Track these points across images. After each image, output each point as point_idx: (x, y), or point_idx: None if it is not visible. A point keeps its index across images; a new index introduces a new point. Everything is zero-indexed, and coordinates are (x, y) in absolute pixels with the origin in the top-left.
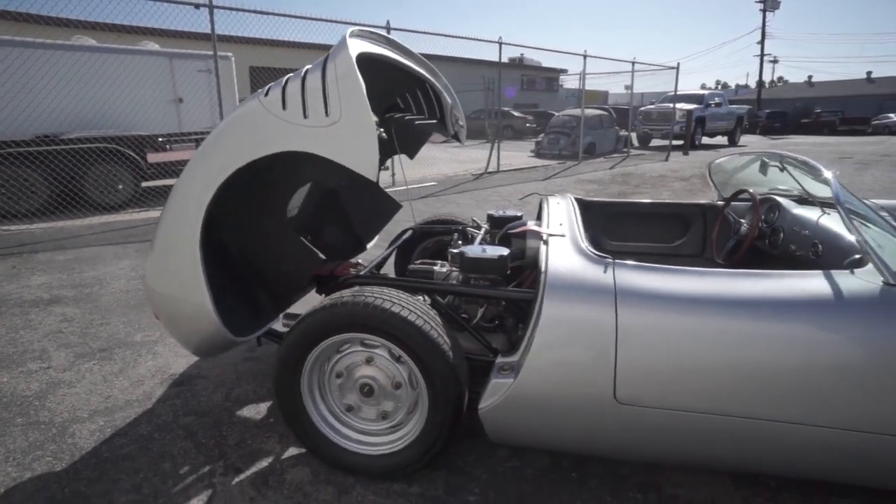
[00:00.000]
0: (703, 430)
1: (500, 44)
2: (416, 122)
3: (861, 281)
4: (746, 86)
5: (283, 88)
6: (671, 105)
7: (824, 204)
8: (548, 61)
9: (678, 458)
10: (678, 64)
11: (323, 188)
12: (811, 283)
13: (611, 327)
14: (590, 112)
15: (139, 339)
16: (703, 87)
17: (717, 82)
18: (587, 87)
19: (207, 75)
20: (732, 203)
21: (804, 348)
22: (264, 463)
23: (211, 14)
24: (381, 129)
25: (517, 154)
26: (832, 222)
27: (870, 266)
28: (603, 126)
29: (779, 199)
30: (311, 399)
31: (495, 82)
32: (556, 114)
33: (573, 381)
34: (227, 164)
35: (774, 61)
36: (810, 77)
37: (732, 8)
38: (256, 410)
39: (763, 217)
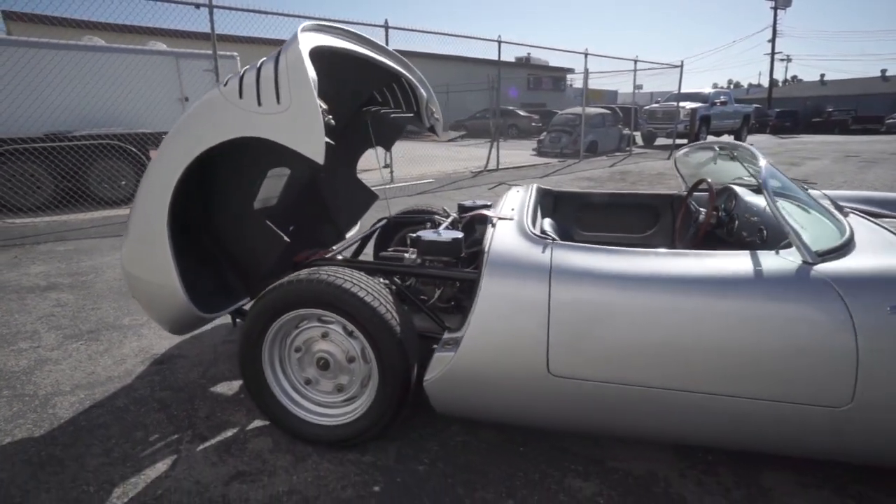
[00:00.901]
0: (631, 402)
1: (500, 42)
2: (392, 116)
3: (783, 260)
4: (759, 85)
5: (241, 79)
6: (675, 104)
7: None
8: (555, 61)
9: (609, 429)
10: (682, 62)
11: (302, 179)
12: (736, 263)
13: (544, 303)
14: (592, 111)
15: (126, 323)
16: (714, 86)
17: (730, 81)
18: (594, 87)
19: (213, 74)
20: (696, 193)
21: (725, 323)
22: (229, 433)
23: (211, 14)
24: (330, 116)
25: (520, 152)
26: (790, 207)
27: (794, 247)
28: (605, 125)
29: (735, 188)
30: (272, 372)
31: (499, 81)
32: (559, 112)
33: (509, 355)
34: (190, 150)
35: (788, 60)
36: (823, 76)
37: (745, 6)
38: (229, 387)
39: (722, 206)
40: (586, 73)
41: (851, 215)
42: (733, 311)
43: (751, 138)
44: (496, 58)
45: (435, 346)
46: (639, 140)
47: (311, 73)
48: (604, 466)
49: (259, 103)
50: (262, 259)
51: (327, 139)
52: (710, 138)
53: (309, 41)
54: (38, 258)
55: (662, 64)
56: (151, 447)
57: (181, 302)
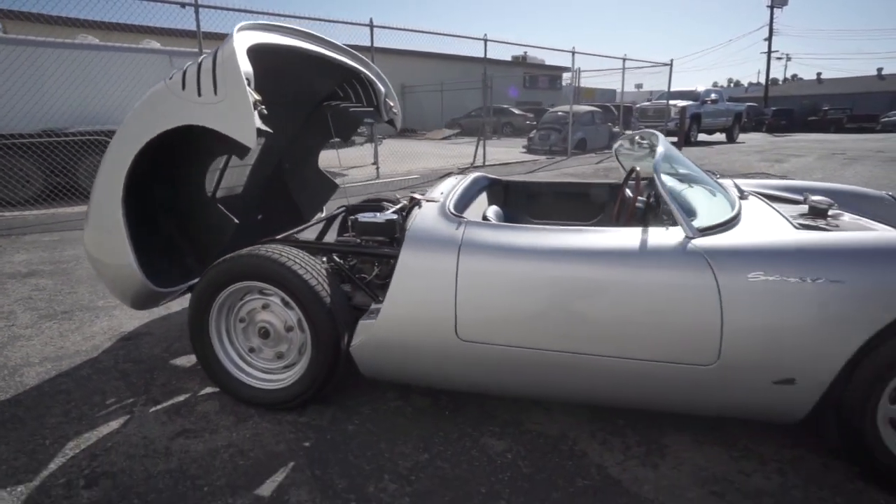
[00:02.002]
0: (530, 364)
1: (486, 41)
2: (350, 110)
3: (667, 235)
4: (759, 83)
5: (184, 73)
6: (665, 102)
7: (684, 176)
8: (552, 60)
9: (513, 390)
10: (671, 61)
11: (266, 169)
12: (627, 238)
13: (452, 274)
14: (581, 108)
15: (100, 305)
16: (714, 84)
17: (730, 80)
18: (591, 85)
19: None
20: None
21: (613, 291)
22: (181, 398)
23: (196, 13)
24: (263, 107)
25: (510, 150)
26: (691, 191)
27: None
28: (595, 122)
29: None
30: (219, 341)
31: (492, 80)
32: (550, 110)
33: (422, 321)
34: (139, 138)
35: (787, 58)
36: (819, 74)
37: (745, 4)
38: (188, 360)
39: (651, 192)
40: (573, 70)
41: (751, 198)
42: (620, 280)
43: (744, 136)
44: (492, 57)
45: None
46: None
47: (245, 66)
48: (520, 428)
49: (199, 94)
50: (215, 239)
51: (265, 127)
52: (702, 136)
53: (246, 39)
54: (23, 248)
55: (652, 62)
56: (107, 409)
57: (138, 279)
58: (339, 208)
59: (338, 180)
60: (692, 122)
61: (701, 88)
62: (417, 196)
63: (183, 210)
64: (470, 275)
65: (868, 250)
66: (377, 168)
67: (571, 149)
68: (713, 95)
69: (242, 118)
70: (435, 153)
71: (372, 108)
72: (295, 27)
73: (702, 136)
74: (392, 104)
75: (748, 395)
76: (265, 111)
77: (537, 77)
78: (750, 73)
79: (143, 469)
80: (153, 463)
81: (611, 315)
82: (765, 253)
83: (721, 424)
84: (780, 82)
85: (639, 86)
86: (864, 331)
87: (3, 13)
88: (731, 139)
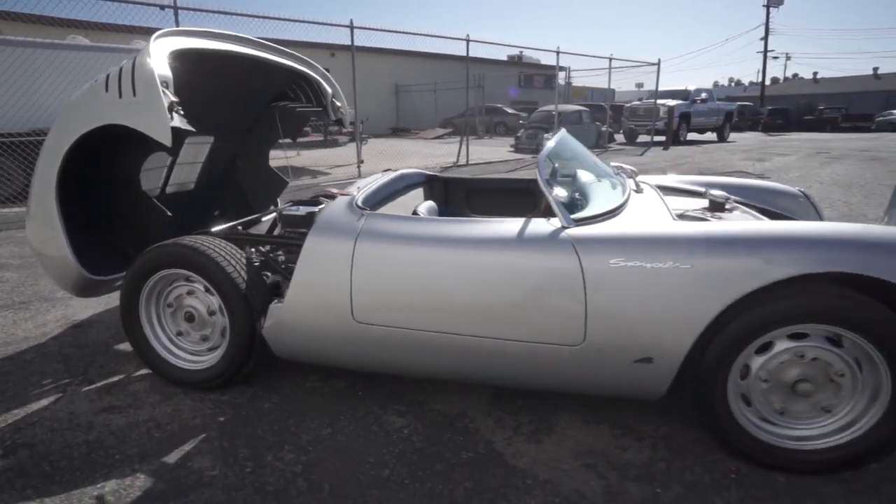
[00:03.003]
0: (419, 345)
1: (468, 41)
2: (297, 110)
3: (546, 225)
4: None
5: (108, 76)
6: (654, 101)
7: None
8: (547, 59)
9: (405, 369)
10: (659, 60)
11: (217, 167)
12: (510, 228)
13: (347, 260)
14: (569, 108)
15: (59, 296)
16: (715, 83)
17: (731, 79)
18: (592, 85)
19: None
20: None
21: (493, 277)
22: (115, 379)
23: (175, 15)
24: (179, 108)
25: (497, 149)
26: (586, 185)
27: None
28: (582, 121)
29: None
30: (149, 325)
31: (484, 79)
32: (538, 109)
33: (322, 304)
34: (68, 136)
35: (787, 58)
36: (816, 74)
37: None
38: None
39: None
40: (558, 69)
41: (647, 192)
42: (498, 267)
43: (737, 136)
44: (487, 57)
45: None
46: (622, 137)
47: (160, 70)
48: (423, 408)
49: (120, 96)
50: (151, 230)
51: (186, 126)
52: (693, 136)
53: (166, 45)
54: None
55: (639, 62)
56: (42, 389)
57: (75, 269)
58: (287, 203)
59: (320, 178)
60: (681, 121)
61: (693, 87)
62: (334, 191)
63: (122, 204)
64: (364, 262)
65: (714, 239)
66: (359, 167)
67: None
68: (703, 95)
69: (158, 118)
70: (421, 152)
71: (320, 109)
72: (231, 33)
73: (693, 136)
74: (339, 104)
75: (613, 373)
76: (181, 111)
77: (532, 77)
78: (750, 72)
79: (62, 440)
80: (73, 435)
81: (490, 299)
82: (626, 241)
83: (612, 406)
84: (781, 81)
85: (639, 85)
86: (708, 312)
87: None
88: (721, 138)
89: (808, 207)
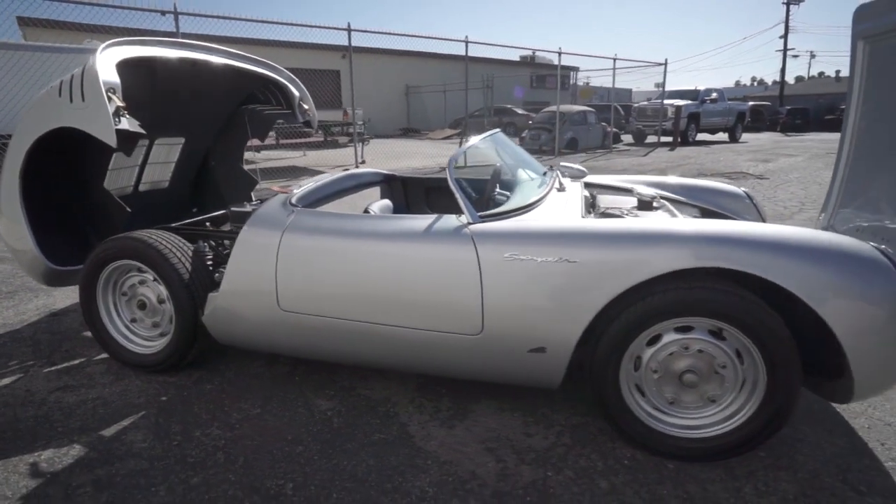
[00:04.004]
0: (338, 332)
1: (466, 42)
2: (265, 112)
3: (454, 221)
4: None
5: (62, 81)
6: (661, 102)
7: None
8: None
9: (327, 355)
10: (665, 60)
11: (193, 165)
12: (422, 224)
13: (274, 252)
14: (574, 108)
15: (45, 288)
16: (737, 83)
17: (753, 78)
18: (606, 85)
19: None
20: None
21: (402, 269)
22: (76, 362)
23: (176, 20)
24: (125, 112)
25: None
26: (519, 183)
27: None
28: (587, 122)
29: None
30: (106, 312)
31: (492, 80)
32: (543, 110)
33: (251, 293)
34: (28, 137)
35: (812, 56)
36: (838, 72)
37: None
38: None
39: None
40: (560, 70)
41: (572, 189)
42: (408, 260)
43: (751, 136)
44: (497, 57)
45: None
46: (629, 138)
47: (105, 77)
48: (352, 392)
49: (71, 101)
50: (113, 225)
51: (136, 129)
52: (704, 136)
53: (114, 54)
54: None
55: (645, 62)
56: (7, 368)
57: (40, 260)
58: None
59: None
60: (690, 121)
61: (701, 88)
62: (276, 188)
63: (87, 200)
64: (288, 254)
65: (601, 235)
66: (358, 167)
67: (562, 148)
68: (713, 94)
69: (103, 122)
70: (424, 152)
71: (289, 111)
72: (196, 42)
73: (703, 136)
74: (307, 107)
75: (511, 362)
76: (125, 115)
77: (545, 77)
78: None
79: (12, 414)
80: (25, 410)
81: (399, 291)
82: (521, 236)
83: (531, 395)
84: (806, 80)
85: (659, 84)
86: (594, 304)
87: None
88: (733, 139)
89: (750, 208)
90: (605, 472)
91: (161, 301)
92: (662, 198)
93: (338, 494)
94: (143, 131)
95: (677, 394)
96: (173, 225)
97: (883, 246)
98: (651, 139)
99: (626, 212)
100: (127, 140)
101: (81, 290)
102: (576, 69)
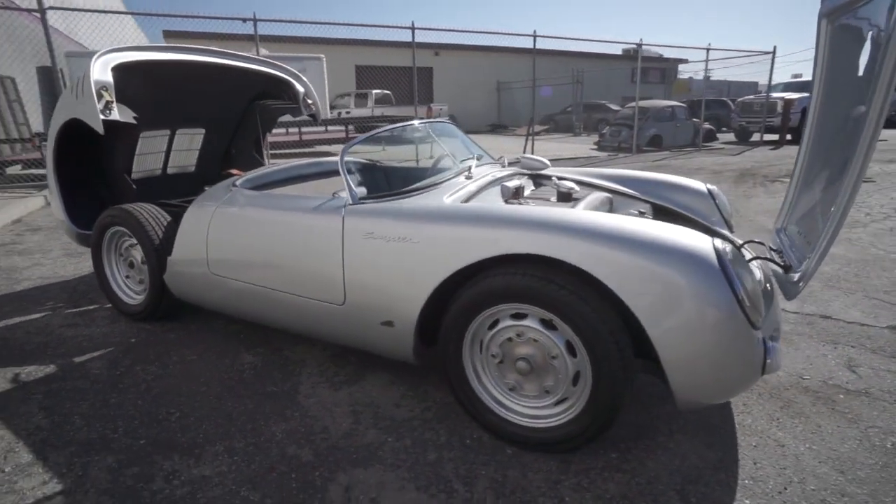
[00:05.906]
0: (250, 295)
1: (535, 36)
2: (273, 107)
3: (334, 201)
4: None
5: (74, 82)
6: (766, 95)
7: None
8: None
9: (245, 315)
10: (774, 48)
11: (216, 153)
12: (311, 203)
13: (206, 223)
14: (661, 104)
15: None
16: None
17: None
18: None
19: (303, 74)
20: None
21: (290, 243)
22: (91, 307)
23: (255, 26)
24: (113, 105)
25: (579, 146)
26: (426, 170)
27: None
28: (675, 118)
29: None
30: (109, 266)
31: (582, 74)
32: (627, 105)
33: (190, 258)
34: (55, 125)
35: None
36: None
37: None
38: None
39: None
40: (639, 64)
41: (479, 178)
42: (294, 233)
43: (888, 133)
44: (590, 51)
45: None
46: (730, 136)
47: (97, 77)
48: (277, 352)
49: (76, 98)
50: (126, 199)
51: (122, 119)
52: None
53: (110, 59)
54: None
55: (748, 51)
56: (43, 307)
57: (68, 224)
58: None
59: None
60: (802, 116)
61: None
62: (234, 172)
63: (110, 179)
64: (216, 225)
65: (441, 216)
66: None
67: (643, 145)
68: None
69: (91, 112)
70: (499, 147)
71: (295, 105)
72: (201, 47)
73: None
74: (311, 101)
75: (368, 332)
76: (114, 107)
77: (647, 70)
78: None
79: (26, 338)
80: (36, 337)
81: (285, 260)
82: (380, 216)
83: (423, 373)
84: None
85: (797, 76)
86: (429, 283)
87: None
88: None
89: (712, 206)
90: (441, 446)
91: (143, 262)
92: (612, 191)
93: (206, 426)
94: (131, 121)
95: (518, 381)
96: (173, 201)
97: (742, 242)
98: (757, 137)
99: (547, 203)
100: (124, 129)
101: (92, 250)
102: (683, 61)
